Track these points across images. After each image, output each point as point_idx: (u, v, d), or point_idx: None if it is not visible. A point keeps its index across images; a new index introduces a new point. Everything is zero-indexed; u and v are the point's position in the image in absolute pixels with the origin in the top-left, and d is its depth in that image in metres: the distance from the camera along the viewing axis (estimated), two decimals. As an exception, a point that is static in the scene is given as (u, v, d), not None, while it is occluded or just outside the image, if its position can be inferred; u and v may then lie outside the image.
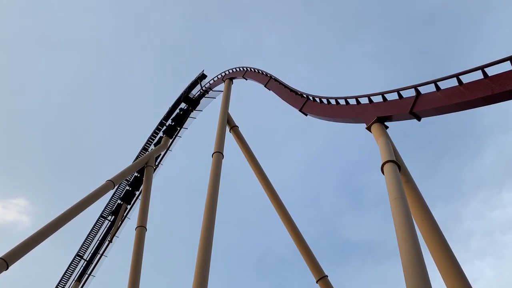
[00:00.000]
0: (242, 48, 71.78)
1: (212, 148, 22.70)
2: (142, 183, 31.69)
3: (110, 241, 34.75)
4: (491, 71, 11.31)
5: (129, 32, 76.38)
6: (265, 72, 26.83)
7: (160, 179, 35.86)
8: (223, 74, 33.62)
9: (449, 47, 63.54)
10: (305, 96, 20.84)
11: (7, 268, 18.53)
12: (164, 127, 37.05)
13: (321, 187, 69.36)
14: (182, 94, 37.78)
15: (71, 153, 69.32)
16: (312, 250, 22.50)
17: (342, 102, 17.52)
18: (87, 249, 34.45)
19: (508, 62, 10.77)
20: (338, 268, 58.05)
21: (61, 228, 22.27)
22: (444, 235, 12.79)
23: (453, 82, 12.40)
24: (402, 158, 14.45)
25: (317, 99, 19.55)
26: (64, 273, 33.39)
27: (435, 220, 13.11)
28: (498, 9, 60.20)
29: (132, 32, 76.29)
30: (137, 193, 35.53)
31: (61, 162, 68.81)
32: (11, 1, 66.92)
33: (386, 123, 14.95)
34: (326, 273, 21.63)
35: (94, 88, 72.73)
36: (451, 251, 12.41)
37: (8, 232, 63.55)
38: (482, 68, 11.39)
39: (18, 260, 19.29)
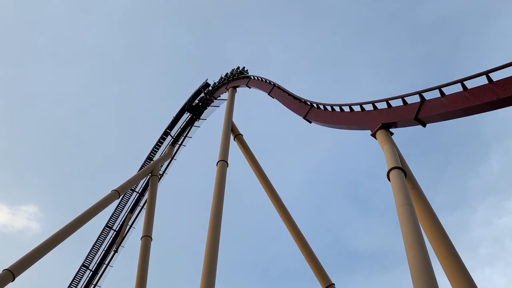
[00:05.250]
0: (246, 59, 72.21)
1: (216, 157, 22.72)
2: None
3: (116, 251, 34.67)
4: (496, 76, 11.28)
5: (135, 44, 77.19)
6: (268, 80, 26.83)
7: (165, 188, 35.97)
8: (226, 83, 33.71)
9: (453, 54, 63.50)
10: (309, 103, 20.81)
11: (13, 280, 18.54)
12: (169, 136, 37.20)
13: (327, 195, 69.11)
14: (186, 103, 37.97)
15: (79, 161, 69.94)
16: (319, 259, 22.35)
17: (346, 109, 17.48)
18: (92, 259, 34.36)
19: (513, 67, 10.75)
20: (345, 276, 57.55)
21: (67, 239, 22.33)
22: (452, 242, 12.68)
23: (458, 88, 12.37)
24: (408, 165, 14.39)
25: (321, 107, 19.51)
26: (70, 284, 33.24)
27: (442, 227, 12.99)
28: (503, 15, 60.20)
29: (138, 44, 77.08)
30: (142, 202, 35.56)
31: (69, 169, 69.52)
32: (22, 16, 68.05)
33: (391, 130, 14.90)
34: (333, 281, 21.47)
35: (101, 99, 73.58)
36: (460, 258, 12.27)
37: (17, 239, 63.84)
38: (486, 73, 11.36)
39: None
